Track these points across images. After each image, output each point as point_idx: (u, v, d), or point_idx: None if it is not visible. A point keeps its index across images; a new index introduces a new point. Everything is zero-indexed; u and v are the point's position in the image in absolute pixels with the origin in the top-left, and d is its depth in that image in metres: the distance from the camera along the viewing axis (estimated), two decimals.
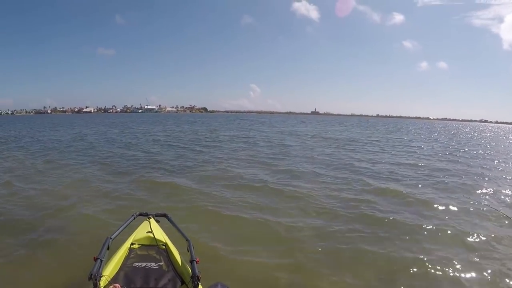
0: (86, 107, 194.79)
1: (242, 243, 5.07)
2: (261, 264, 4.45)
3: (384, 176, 10.55)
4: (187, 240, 3.07)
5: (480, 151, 21.01)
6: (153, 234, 3.26)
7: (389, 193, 8.29)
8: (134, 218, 3.52)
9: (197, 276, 2.50)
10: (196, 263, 2.68)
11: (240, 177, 9.69)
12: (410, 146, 22.30)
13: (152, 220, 3.54)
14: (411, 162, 14.10)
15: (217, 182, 8.89)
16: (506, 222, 6.16)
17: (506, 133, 59.45)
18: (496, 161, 16.21)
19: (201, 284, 2.54)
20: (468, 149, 21.52)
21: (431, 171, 11.92)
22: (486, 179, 10.86)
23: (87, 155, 13.93)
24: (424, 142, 26.70)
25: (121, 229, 3.16)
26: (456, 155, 17.64)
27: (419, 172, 11.57)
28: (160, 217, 3.68)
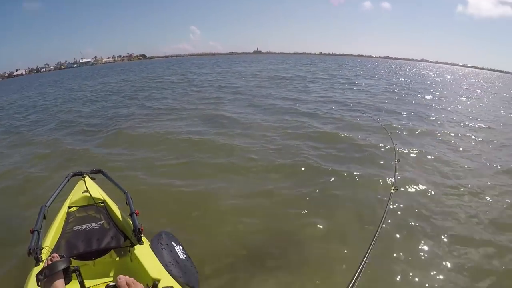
0: (17, 70, 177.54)
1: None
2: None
3: None
4: (124, 192, 2.97)
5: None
6: (90, 193, 3.17)
7: None
8: (68, 180, 3.41)
9: (139, 229, 2.44)
10: (136, 215, 2.61)
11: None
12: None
13: (87, 178, 3.50)
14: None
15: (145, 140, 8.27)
16: None
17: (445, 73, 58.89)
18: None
19: (144, 236, 2.50)
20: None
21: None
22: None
23: None
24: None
25: (55, 194, 2.97)
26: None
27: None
28: (95, 173, 3.63)
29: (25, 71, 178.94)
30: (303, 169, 6.02)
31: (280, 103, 12.76)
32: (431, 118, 11.14)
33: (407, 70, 55.98)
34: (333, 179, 5.55)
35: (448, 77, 42.24)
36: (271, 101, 13.10)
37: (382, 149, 7.07)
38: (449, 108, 13.66)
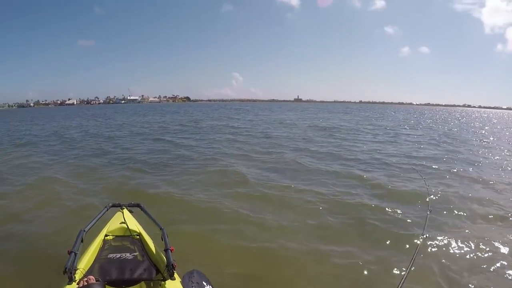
0: (69, 99, 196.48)
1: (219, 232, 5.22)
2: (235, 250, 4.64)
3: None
4: (161, 229, 3.10)
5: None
6: (127, 225, 3.30)
7: None
8: (107, 210, 3.52)
9: (172, 265, 2.55)
10: (171, 251, 2.70)
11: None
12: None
13: (125, 210, 3.59)
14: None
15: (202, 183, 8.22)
16: None
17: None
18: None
19: (176, 272, 2.59)
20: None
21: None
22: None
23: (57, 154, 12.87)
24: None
25: (94, 221, 3.15)
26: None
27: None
28: (133, 207, 3.72)
29: (76, 101, 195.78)
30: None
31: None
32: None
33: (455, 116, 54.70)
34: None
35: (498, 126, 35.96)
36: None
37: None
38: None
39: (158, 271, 2.74)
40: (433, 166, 10.44)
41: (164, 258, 2.72)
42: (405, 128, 26.65)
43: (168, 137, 17.95)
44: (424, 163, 11.04)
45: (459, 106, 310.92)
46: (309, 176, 8.81)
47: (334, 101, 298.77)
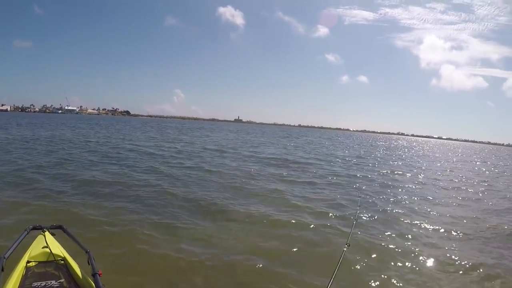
0: (2, 105, 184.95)
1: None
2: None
3: None
4: (86, 252, 2.98)
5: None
6: (50, 249, 3.11)
7: None
8: (28, 233, 3.28)
9: None
10: (99, 276, 2.56)
11: None
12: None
13: (47, 233, 3.37)
14: None
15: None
16: None
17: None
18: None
19: None
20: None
21: None
22: None
23: None
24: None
25: (14, 246, 2.92)
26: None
27: None
28: (55, 229, 3.51)
29: (10, 107, 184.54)
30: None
31: None
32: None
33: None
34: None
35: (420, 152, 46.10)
36: None
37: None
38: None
39: None
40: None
41: (93, 283, 2.59)
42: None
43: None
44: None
45: (393, 133, 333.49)
46: None
47: (274, 124, 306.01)
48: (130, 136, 32.57)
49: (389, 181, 14.13)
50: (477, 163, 33.26)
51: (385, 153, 34.58)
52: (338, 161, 21.39)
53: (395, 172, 17.68)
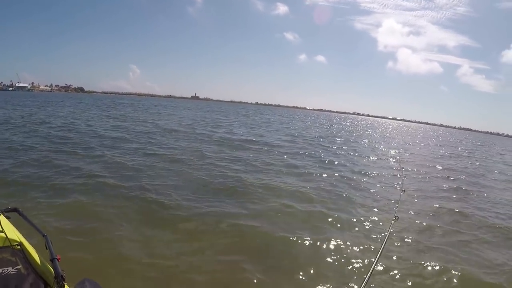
0: None
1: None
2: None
3: None
4: (43, 235, 2.86)
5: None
6: (5, 234, 2.84)
7: None
8: None
9: (62, 276, 2.37)
10: (58, 261, 2.51)
11: None
12: None
13: (1, 217, 3.11)
14: None
15: None
16: None
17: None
18: None
19: (66, 284, 2.42)
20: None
21: None
22: None
23: None
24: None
25: None
26: None
27: None
28: (10, 212, 3.29)
29: None
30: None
31: None
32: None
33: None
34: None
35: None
36: None
37: None
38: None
39: (46, 284, 2.58)
40: None
41: (51, 269, 2.53)
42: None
43: None
44: None
45: (349, 113, 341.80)
46: None
47: (231, 101, 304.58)
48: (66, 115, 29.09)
49: None
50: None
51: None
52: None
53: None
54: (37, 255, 2.81)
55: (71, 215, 6.06)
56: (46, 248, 2.70)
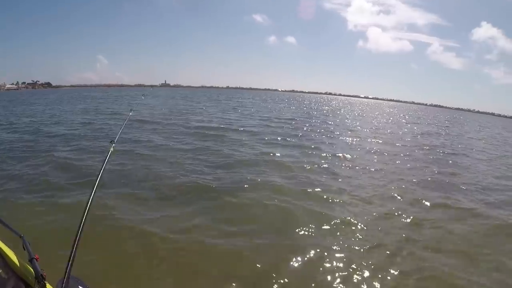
0: None
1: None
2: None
3: None
4: (20, 236, 2.70)
5: None
6: None
7: None
8: None
9: (42, 275, 2.26)
10: (37, 260, 2.39)
11: None
12: None
13: None
14: None
15: None
16: None
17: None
18: None
19: (48, 283, 2.30)
20: None
21: None
22: None
23: None
24: None
25: None
26: None
27: None
28: None
29: None
30: None
31: None
32: None
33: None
34: None
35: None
36: None
37: None
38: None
39: (27, 285, 2.46)
40: None
41: (31, 269, 2.39)
42: None
43: None
44: None
45: (321, 93, 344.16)
46: None
47: (202, 86, 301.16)
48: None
49: None
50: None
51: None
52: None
53: None
54: (15, 257, 2.74)
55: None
56: (24, 249, 2.62)
